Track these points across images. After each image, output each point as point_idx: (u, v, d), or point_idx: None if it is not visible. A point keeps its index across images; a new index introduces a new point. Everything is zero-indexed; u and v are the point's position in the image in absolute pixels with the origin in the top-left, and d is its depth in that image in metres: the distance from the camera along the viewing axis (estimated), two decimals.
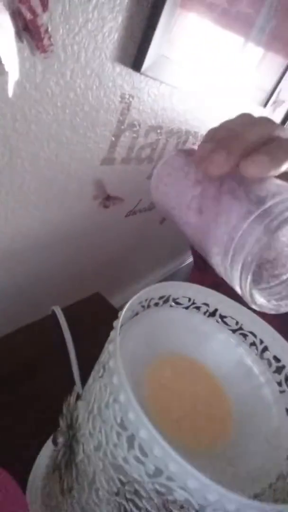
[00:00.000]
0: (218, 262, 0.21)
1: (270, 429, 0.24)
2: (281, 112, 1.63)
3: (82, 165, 0.71)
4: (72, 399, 0.27)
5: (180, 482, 0.16)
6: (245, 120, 0.23)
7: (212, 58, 0.83)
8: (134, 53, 0.63)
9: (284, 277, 0.24)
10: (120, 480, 0.20)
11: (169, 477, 0.17)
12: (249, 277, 0.19)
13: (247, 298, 0.21)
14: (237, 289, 0.21)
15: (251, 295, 0.20)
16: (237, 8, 0.77)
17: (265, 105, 1.34)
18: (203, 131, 1.04)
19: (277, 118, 1.66)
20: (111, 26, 0.56)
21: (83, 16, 0.51)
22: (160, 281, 0.42)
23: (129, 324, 0.28)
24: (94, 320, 0.58)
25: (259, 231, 0.18)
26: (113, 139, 0.74)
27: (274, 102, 1.46)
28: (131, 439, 0.18)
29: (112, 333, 0.22)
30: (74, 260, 0.94)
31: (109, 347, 0.21)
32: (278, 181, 0.21)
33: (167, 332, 0.30)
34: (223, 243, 0.20)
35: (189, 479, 0.16)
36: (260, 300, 0.21)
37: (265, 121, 0.23)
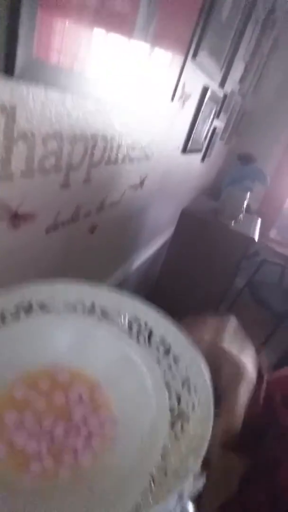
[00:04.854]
0: None
1: (147, 426, 0.20)
2: (191, 105, 1.69)
3: None
4: None
5: None
6: None
7: (98, 58, 0.81)
8: (2, 55, 0.59)
9: None
10: None
11: None
12: None
13: None
14: None
15: None
16: (110, 5, 0.76)
17: (172, 98, 1.38)
18: (109, 133, 1.02)
19: (188, 111, 1.71)
20: None
21: None
22: None
23: None
24: None
25: None
26: (4, 153, 0.68)
27: (181, 97, 1.50)
28: None
29: None
30: None
31: None
32: None
33: (33, 345, 0.25)
34: None
35: None
36: None
37: None
